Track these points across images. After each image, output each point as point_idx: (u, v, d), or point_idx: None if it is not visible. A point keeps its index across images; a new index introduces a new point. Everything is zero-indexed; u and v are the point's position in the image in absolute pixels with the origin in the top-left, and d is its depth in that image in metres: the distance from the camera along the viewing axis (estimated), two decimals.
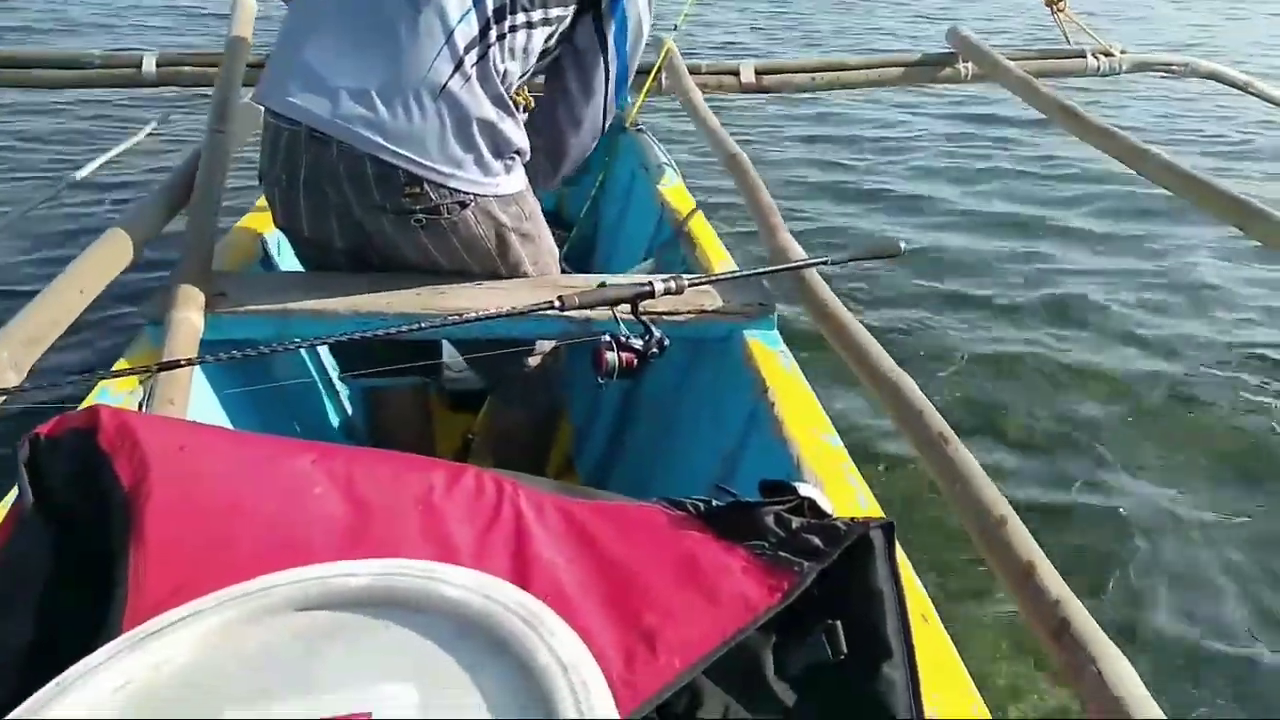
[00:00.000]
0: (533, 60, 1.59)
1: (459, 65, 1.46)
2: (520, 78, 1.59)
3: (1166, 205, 4.08)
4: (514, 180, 1.59)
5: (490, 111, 1.50)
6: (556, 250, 1.77)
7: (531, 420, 1.88)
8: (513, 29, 1.51)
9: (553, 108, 1.71)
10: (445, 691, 0.50)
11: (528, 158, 1.63)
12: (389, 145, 1.45)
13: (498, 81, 1.51)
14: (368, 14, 1.48)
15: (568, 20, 1.60)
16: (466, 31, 1.47)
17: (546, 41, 1.59)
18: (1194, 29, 9.30)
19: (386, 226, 1.53)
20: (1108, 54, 3.09)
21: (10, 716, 0.52)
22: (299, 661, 0.54)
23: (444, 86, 1.46)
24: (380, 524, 0.79)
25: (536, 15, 1.53)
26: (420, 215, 1.51)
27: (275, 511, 0.77)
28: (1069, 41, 3.18)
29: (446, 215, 1.52)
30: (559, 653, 0.51)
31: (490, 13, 1.48)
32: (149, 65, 2.80)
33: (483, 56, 1.49)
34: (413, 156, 1.45)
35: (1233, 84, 3.18)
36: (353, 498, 0.81)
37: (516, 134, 1.56)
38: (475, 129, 1.49)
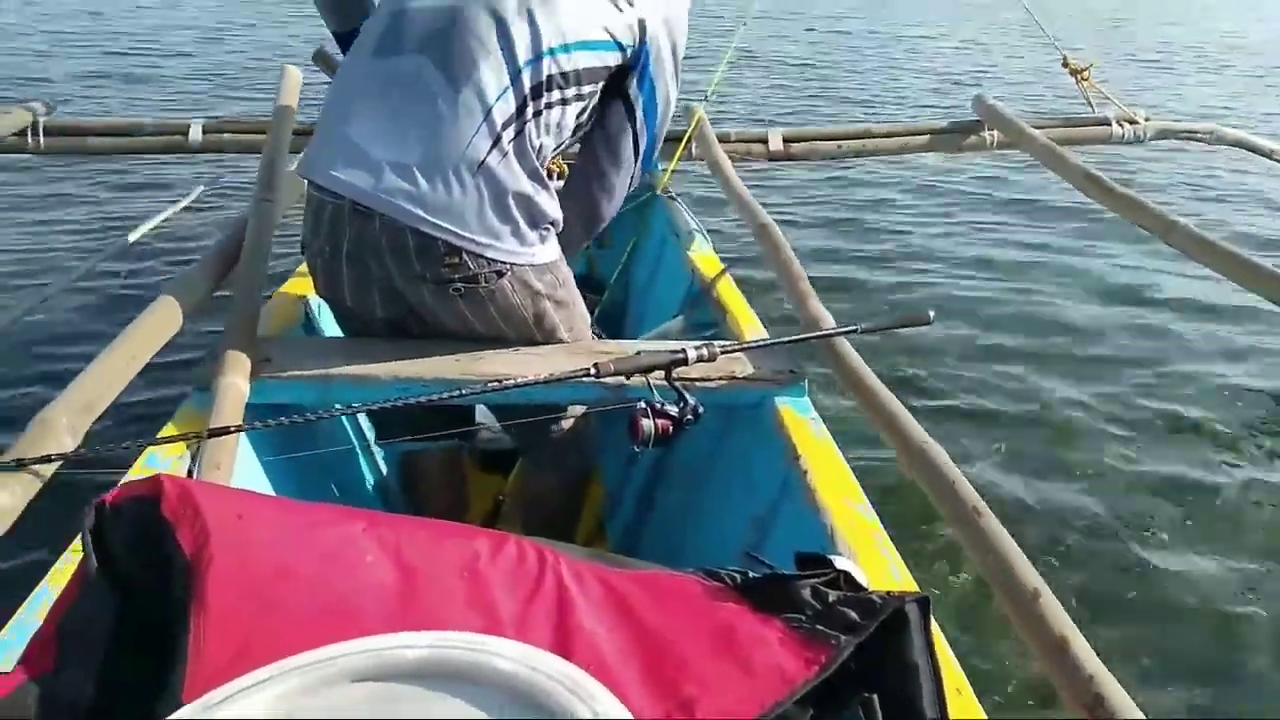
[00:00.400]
0: (566, 134, 1.64)
1: (496, 141, 1.52)
2: (554, 150, 1.65)
3: (1195, 271, 4.08)
4: (549, 250, 1.64)
5: (527, 185, 1.55)
6: (589, 316, 1.81)
7: (563, 484, 1.91)
8: (548, 106, 1.57)
9: (585, 178, 1.77)
10: None
11: (561, 228, 1.67)
12: (430, 218, 1.50)
13: (533, 156, 1.56)
14: (409, 91, 1.53)
15: (598, 95, 1.66)
16: (504, 109, 1.52)
17: (579, 116, 1.65)
18: (1226, 97, 9.36)
19: (427, 296, 1.58)
20: (1132, 121, 3.14)
21: None
22: None
23: (482, 162, 1.51)
24: (428, 592, 0.82)
25: (570, 92, 1.59)
26: (459, 284, 1.56)
27: (329, 579, 0.80)
28: (1093, 109, 3.23)
29: (484, 284, 1.57)
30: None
31: (527, 91, 1.54)
32: (195, 133, 2.90)
33: (520, 132, 1.54)
34: (452, 229, 1.50)
35: (1259, 151, 3.21)
36: (401, 565, 0.83)
37: (551, 205, 1.61)
38: (512, 202, 1.54)
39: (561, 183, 1.86)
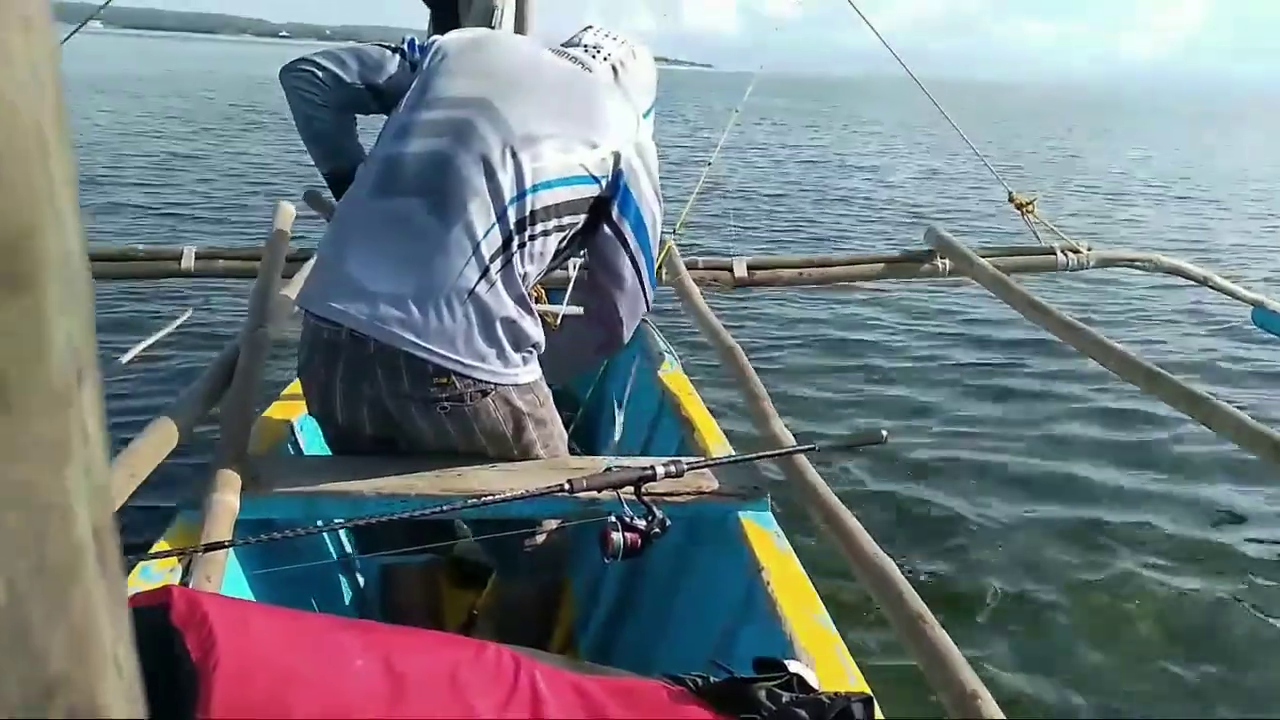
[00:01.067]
0: (548, 260, 1.76)
1: (485, 273, 1.64)
2: (538, 276, 1.77)
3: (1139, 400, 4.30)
4: (530, 370, 1.74)
5: (513, 311, 1.67)
6: (565, 433, 1.90)
7: (537, 594, 1.97)
8: (532, 238, 1.70)
9: (598, 308, 1.89)
10: None
11: (543, 350, 1.78)
12: (422, 343, 1.61)
13: (519, 283, 1.68)
14: (404, 230, 1.66)
15: (579, 224, 1.79)
16: (492, 243, 1.65)
17: (560, 244, 1.77)
18: (1178, 230, 9.89)
19: (414, 413, 1.68)
20: (1075, 250, 3.33)
21: None
22: None
23: (472, 291, 1.63)
24: (414, 696, 0.89)
25: (552, 224, 1.72)
26: (446, 402, 1.66)
27: (325, 681, 0.87)
28: (1039, 240, 3.43)
29: (469, 402, 1.67)
30: None
31: (513, 225, 1.67)
32: (189, 259, 3.02)
33: (507, 264, 1.67)
34: (443, 352, 1.61)
35: (1193, 278, 3.41)
36: (390, 671, 0.91)
37: (534, 330, 1.72)
38: (499, 327, 1.65)
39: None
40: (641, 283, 1.86)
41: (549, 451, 1.82)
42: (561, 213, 1.73)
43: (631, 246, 1.82)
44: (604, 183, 1.77)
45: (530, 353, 1.74)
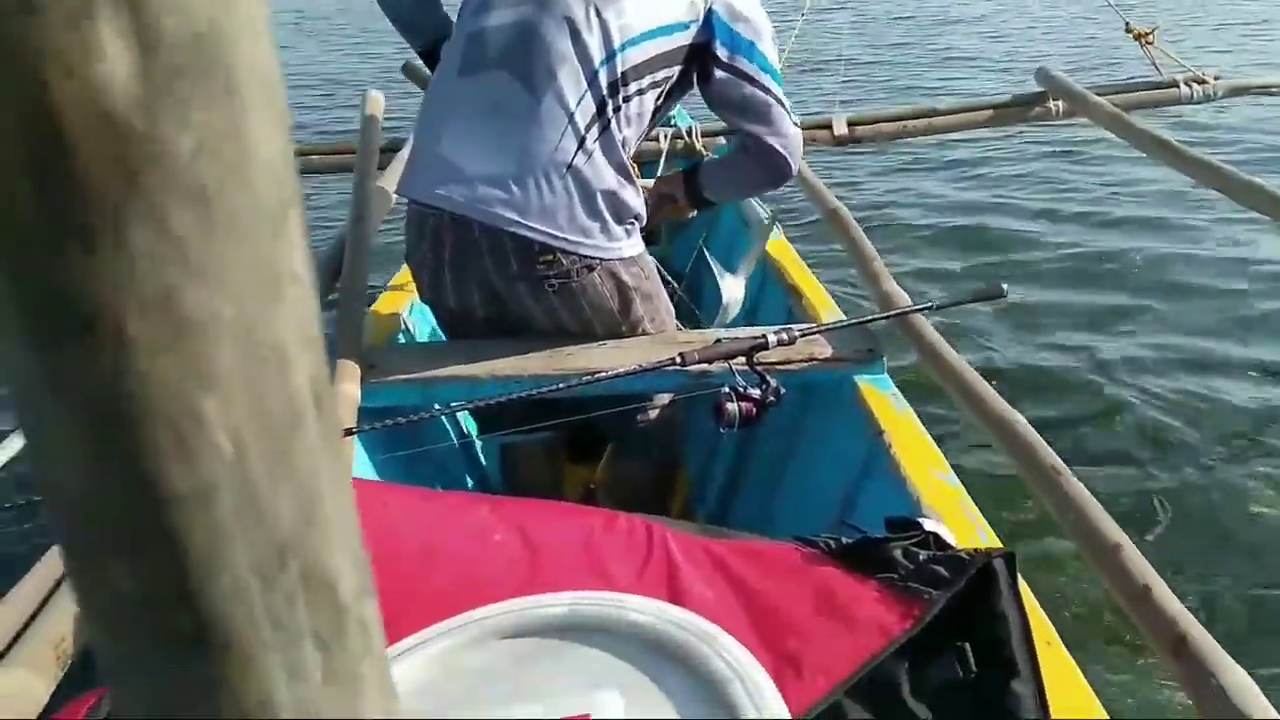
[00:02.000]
0: (646, 121, 1.71)
1: (581, 143, 1.60)
2: (637, 139, 1.71)
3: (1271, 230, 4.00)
4: (634, 243, 1.71)
5: (613, 182, 1.63)
6: (672, 308, 1.88)
7: (650, 473, 1.99)
8: (626, 99, 1.64)
9: (760, 152, 1.74)
10: (644, 697, 0.60)
11: (644, 221, 1.75)
12: (525, 221, 1.59)
13: (619, 149, 1.64)
14: (495, 107, 1.63)
15: (674, 77, 1.71)
16: (586, 111, 1.60)
17: (657, 100, 1.71)
18: None
19: (523, 293, 1.67)
20: (1201, 81, 3.09)
21: None
22: (517, 677, 0.65)
23: (570, 164, 1.59)
24: (552, 564, 0.91)
25: (646, 82, 1.66)
26: (554, 280, 1.64)
27: (464, 555, 0.89)
28: (1160, 73, 3.19)
29: (576, 279, 1.65)
30: (731, 662, 0.61)
31: (605, 90, 1.61)
32: None
33: (604, 130, 1.62)
34: (546, 230, 1.59)
35: None
36: (527, 541, 0.93)
37: (636, 200, 1.68)
38: (600, 200, 1.62)
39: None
40: (785, 107, 1.74)
41: (656, 326, 1.81)
42: (655, 67, 1.66)
43: (756, 76, 1.70)
44: (694, 27, 1.67)
45: (633, 224, 1.70)
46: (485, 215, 1.59)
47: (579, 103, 1.60)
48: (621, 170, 1.64)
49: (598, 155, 1.61)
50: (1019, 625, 0.90)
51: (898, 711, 0.87)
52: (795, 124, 1.76)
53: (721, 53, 1.68)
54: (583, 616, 0.69)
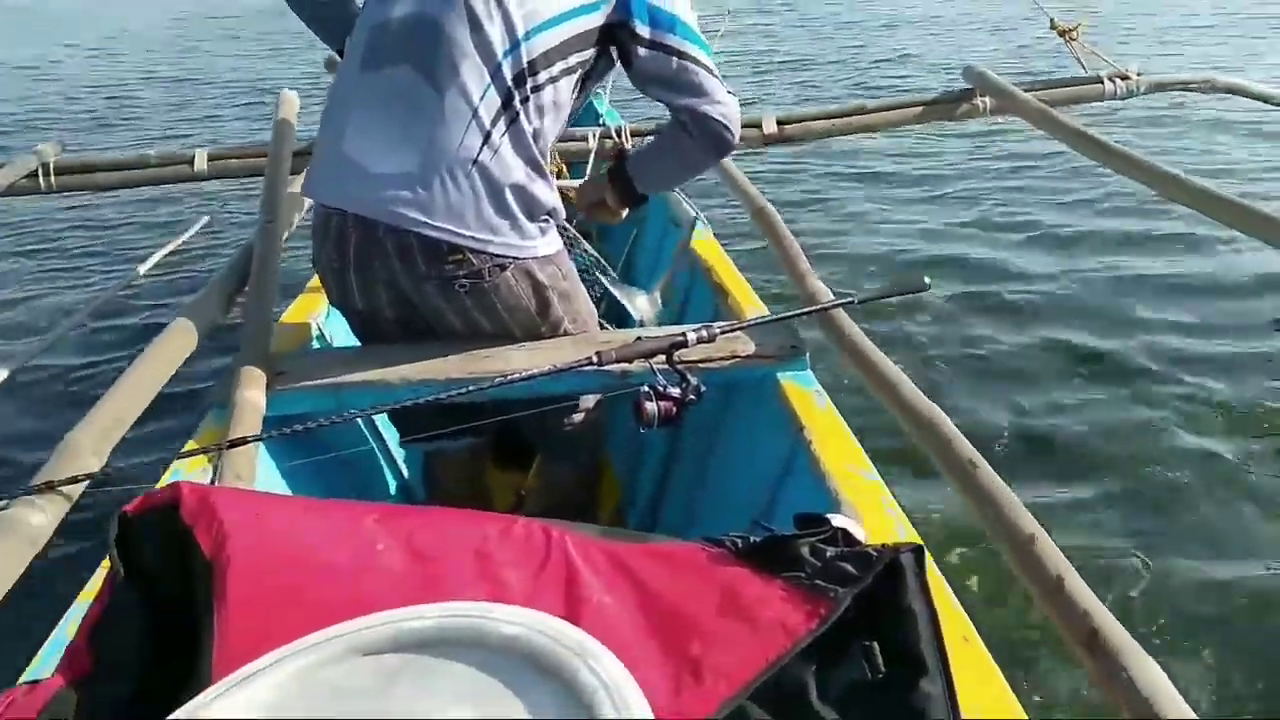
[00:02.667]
0: (564, 111, 1.64)
1: (487, 138, 1.54)
2: (557, 129, 1.65)
3: (1195, 224, 4.10)
4: (549, 242, 1.66)
5: (522, 176, 1.57)
6: (594, 307, 1.84)
7: (577, 474, 1.94)
8: (536, 89, 1.58)
9: (695, 125, 1.67)
10: (498, 710, 0.56)
11: (561, 218, 1.70)
12: (431, 221, 1.53)
13: (530, 143, 1.58)
14: (397, 102, 1.57)
15: (591, 61, 1.65)
16: (490, 104, 1.54)
17: (574, 90, 1.65)
18: (1224, 46, 9.26)
19: (432, 295, 1.62)
20: (1124, 77, 3.13)
21: None
22: (372, 697, 0.60)
23: (475, 159, 1.53)
24: (439, 574, 0.85)
25: (558, 68, 1.59)
26: (464, 280, 1.59)
27: (344, 566, 0.84)
28: (1085, 69, 3.23)
29: (489, 278, 1.59)
30: (600, 674, 0.56)
31: (510, 82, 1.55)
32: (200, 162, 2.96)
33: (512, 122, 1.56)
34: (453, 229, 1.54)
35: (1255, 97, 3.19)
36: (413, 551, 0.87)
37: (548, 195, 1.62)
38: (509, 196, 1.56)
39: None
40: (717, 76, 1.67)
41: (578, 326, 1.76)
42: (567, 53, 1.59)
43: (683, 48, 1.62)
44: (605, 7, 1.60)
45: (547, 221, 1.65)
46: (389, 216, 1.53)
47: (483, 96, 1.54)
48: (532, 164, 1.59)
49: (505, 150, 1.56)
50: (927, 621, 0.86)
51: (804, 714, 0.83)
52: (730, 91, 1.69)
53: (642, 30, 1.61)
54: (452, 629, 0.64)
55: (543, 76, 1.58)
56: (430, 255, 1.56)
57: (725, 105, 1.67)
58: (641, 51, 1.62)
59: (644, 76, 1.66)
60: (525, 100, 1.57)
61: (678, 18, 1.62)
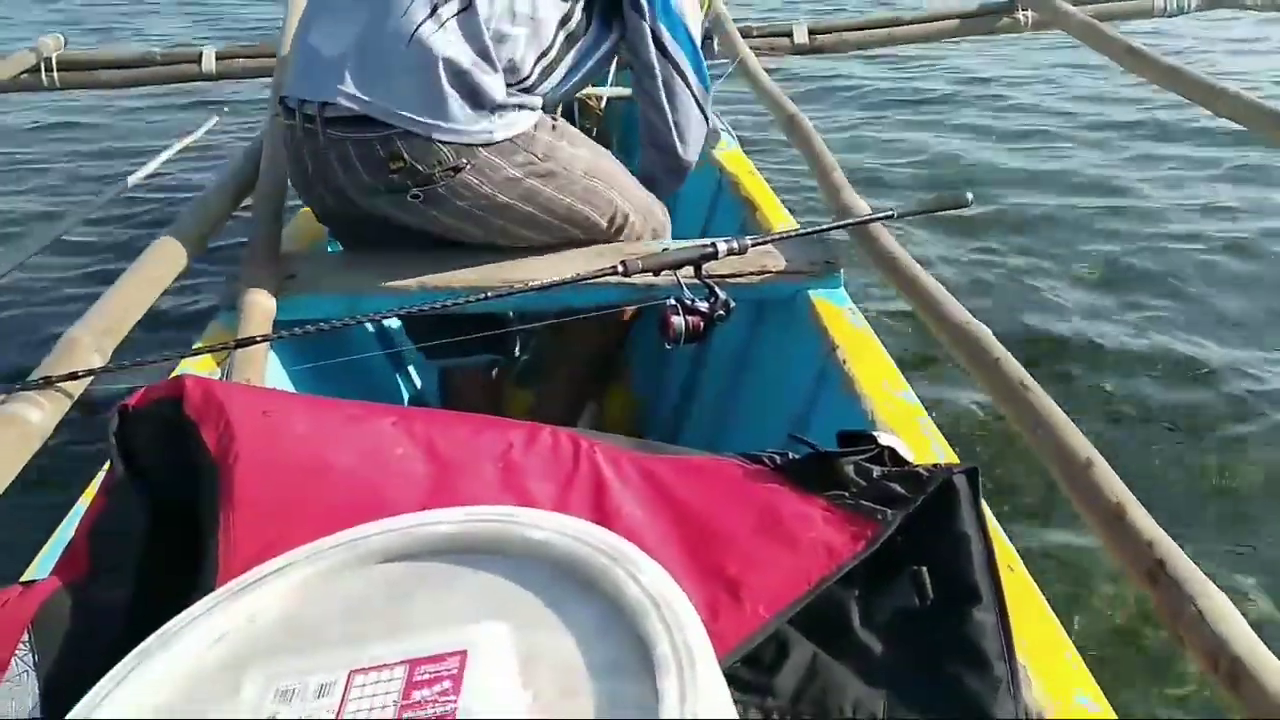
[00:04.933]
0: (548, 33, 1.52)
1: (434, 11, 1.42)
2: (540, 56, 1.53)
3: (1245, 147, 3.94)
4: (510, 124, 1.49)
5: (466, 61, 1.42)
6: (609, 164, 1.68)
7: (591, 349, 1.87)
8: None
9: (647, 115, 1.68)
10: (537, 629, 0.50)
11: (516, 121, 1.52)
12: (362, 95, 1.41)
13: (483, 35, 1.44)
14: None
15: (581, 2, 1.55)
16: None
17: (563, 20, 1.53)
18: None
19: (387, 208, 1.51)
20: None
21: (116, 667, 0.54)
22: (390, 607, 0.55)
23: (415, 31, 1.41)
24: (461, 481, 0.80)
25: None
26: (416, 190, 1.47)
27: (359, 470, 0.78)
28: None
29: (441, 183, 1.46)
30: (648, 588, 0.51)
31: None
32: (209, 61, 2.86)
33: (465, 8, 1.43)
34: (388, 106, 1.41)
35: None
36: (434, 456, 0.82)
37: (497, 89, 1.46)
38: (446, 76, 1.41)
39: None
40: (683, 73, 1.61)
41: (589, 195, 1.60)
42: None
43: (655, 26, 1.58)
44: None
45: (500, 111, 1.48)
46: (329, 94, 1.43)
47: None
48: (483, 55, 1.44)
49: (452, 30, 1.43)
50: (981, 548, 0.81)
51: (846, 642, 0.78)
52: (695, 94, 1.66)
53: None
54: (474, 535, 0.58)
55: None
56: (370, 163, 1.45)
57: (678, 101, 1.64)
58: (638, 24, 1.58)
59: (633, 54, 1.61)
60: None
61: (682, 9, 1.60)
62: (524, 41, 1.49)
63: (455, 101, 1.43)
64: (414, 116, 1.42)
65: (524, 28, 1.49)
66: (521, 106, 1.51)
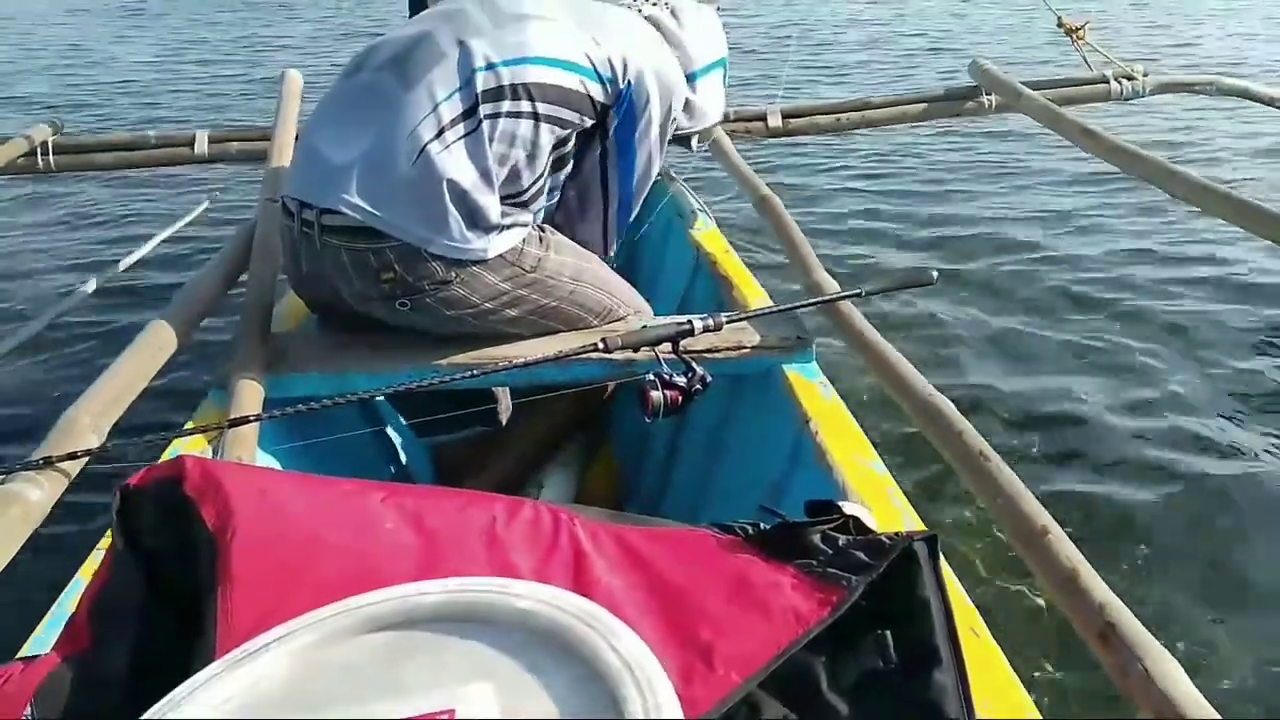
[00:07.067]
0: (543, 158, 1.60)
1: (440, 133, 1.50)
2: (535, 173, 1.60)
3: (1198, 222, 4.08)
4: (500, 242, 1.57)
5: (468, 182, 1.50)
6: (595, 267, 1.76)
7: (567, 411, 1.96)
8: (507, 115, 1.54)
9: (564, 213, 1.75)
10: (520, 692, 0.54)
11: (509, 239, 1.61)
12: (365, 206, 1.48)
13: (487, 157, 1.52)
14: (365, 98, 1.57)
15: (570, 137, 1.64)
16: (452, 107, 1.52)
17: (556, 142, 1.61)
18: (1228, 49, 9.25)
19: (380, 312, 1.59)
20: (1130, 77, 3.12)
21: None
22: (383, 673, 0.59)
23: (422, 149, 1.49)
24: (447, 554, 0.84)
25: (537, 107, 1.56)
26: (404, 299, 1.55)
27: (351, 545, 0.82)
28: (1090, 68, 3.22)
29: (431, 294, 1.55)
30: (623, 654, 0.55)
31: (479, 92, 1.52)
32: (201, 144, 2.94)
33: (472, 131, 1.51)
34: (388, 219, 1.48)
35: (1261, 100, 3.19)
36: (421, 530, 0.86)
37: (494, 210, 1.54)
38: (448, 195, 1.49)
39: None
40: (607, 227, 1.76)
41: (578, 300, 1.69)
42: (550, 97, 1.57)
43: (610, 189, 1.71)
44: (608, 85, 1.62)
45: (494, 233, 1.57)
46: (331, 202, 1.50)
47: (448, 97, 1.52)
48: (484, 176, 1.53)
49: (458, 150, 1.51)
50: (941, 611, 0.85)
51: (815, 704, 0.82)
52: (608, 235, 1.80)
53: (611, 127, 1.67)
54: (461, 603, 0.62)
55: (523, 106, 1.55)
56: (363, 271, 1.52)
57: (586, 233, 1.76)
58: (596, 146, 1.69)
59: (578, 161, 1.70)
60: (493, 117, 1.53)
61: (635, 163, 1.71)
62: (523, 164, 1.58)
63: (455, 221, 1.51)
64: (413, 230, 1.50)
65: (522, 150, 1.57)
66: (515, 224, 1.60)
